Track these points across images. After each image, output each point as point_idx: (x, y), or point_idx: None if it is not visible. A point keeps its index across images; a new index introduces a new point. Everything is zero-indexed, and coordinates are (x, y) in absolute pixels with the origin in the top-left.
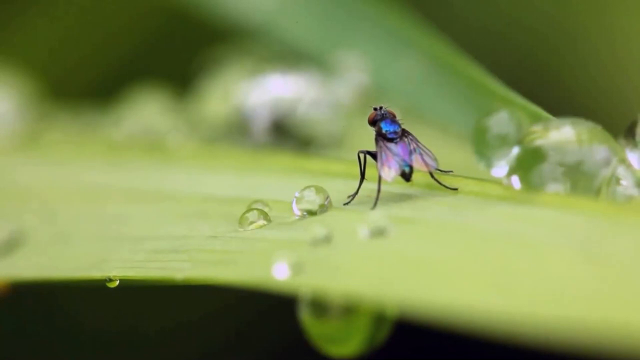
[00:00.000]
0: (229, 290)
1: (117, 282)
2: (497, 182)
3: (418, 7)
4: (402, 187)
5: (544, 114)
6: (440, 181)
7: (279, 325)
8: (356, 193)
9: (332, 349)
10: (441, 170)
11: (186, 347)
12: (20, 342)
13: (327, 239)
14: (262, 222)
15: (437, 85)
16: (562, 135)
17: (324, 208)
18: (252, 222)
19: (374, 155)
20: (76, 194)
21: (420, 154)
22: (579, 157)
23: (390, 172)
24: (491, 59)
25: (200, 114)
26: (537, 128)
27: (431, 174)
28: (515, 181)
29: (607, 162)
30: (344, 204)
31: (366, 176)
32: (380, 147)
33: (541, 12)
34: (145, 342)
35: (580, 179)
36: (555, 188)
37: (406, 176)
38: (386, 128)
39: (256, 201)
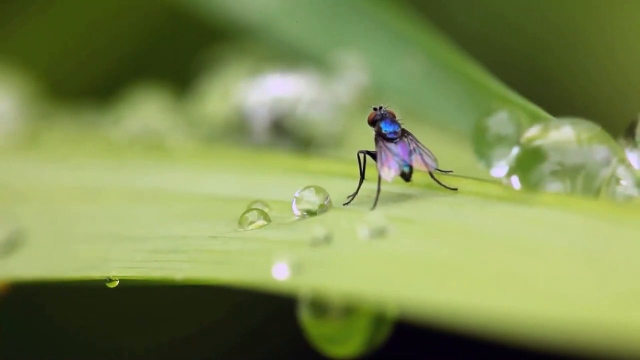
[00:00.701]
0: (227, 299)
1: (117, 283)
2: (497, 182)
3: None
4: (402, 187)
5: (544, 114)
6: (440, 181)
7: (280, 332)
8: (356, 193)
9: (332, 350)
10: (441, 171)
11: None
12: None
13: (327, 240)
14: (262, 222)
15: (437, 85)
16: (562, 135)
17: (324, 208)
18: (252, 223)
19: (374, 156)
20: (76, 193)
21: (420, 154)
22: (579, 158)
23: (390, 173)
24: (490, 61)
25: (200, 114)
26: (537, 128)
27: (431, 174)
28: (515, 181)
29: (607, 163)
30: (344, 205)
31: (366, 176)
32: (380, 147)
33: (540, 14)
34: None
35: (581, 179)
36: (555, 188)
37: (406, 176)
38: (386, 128)
39: (256, 201)
